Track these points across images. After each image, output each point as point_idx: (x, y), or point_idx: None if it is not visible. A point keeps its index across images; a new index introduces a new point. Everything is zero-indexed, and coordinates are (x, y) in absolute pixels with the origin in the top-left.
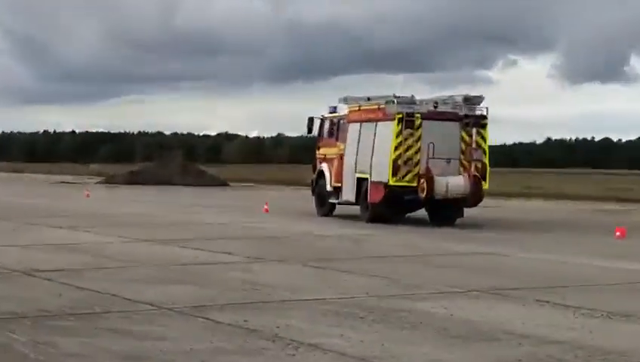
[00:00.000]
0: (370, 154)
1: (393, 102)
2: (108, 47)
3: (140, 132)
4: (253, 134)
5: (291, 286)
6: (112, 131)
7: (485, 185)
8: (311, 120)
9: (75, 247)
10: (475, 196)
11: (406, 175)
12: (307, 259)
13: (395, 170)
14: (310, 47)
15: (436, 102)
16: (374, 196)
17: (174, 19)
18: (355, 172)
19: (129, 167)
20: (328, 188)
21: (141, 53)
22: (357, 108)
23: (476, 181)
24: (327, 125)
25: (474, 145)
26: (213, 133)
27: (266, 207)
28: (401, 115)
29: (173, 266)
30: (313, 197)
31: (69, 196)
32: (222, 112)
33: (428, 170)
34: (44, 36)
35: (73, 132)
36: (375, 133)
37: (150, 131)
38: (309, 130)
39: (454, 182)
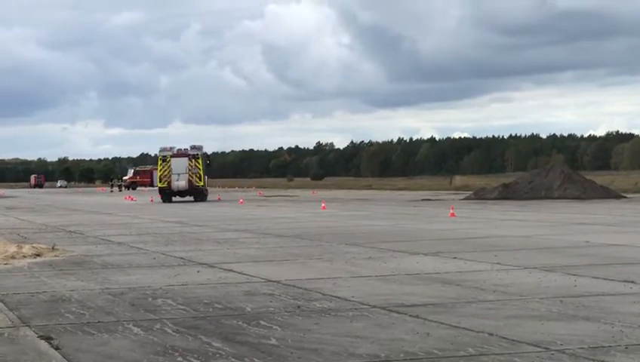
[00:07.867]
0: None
1: (162, 150)
2: (470, 35)
3: (510, 136)
4: None
5: None
6: (477, 136)
7: (200, 183)
8: (158, 158)
9: (441, 277)
10: (192, 189)
11: (164, 182)
12: None
13: (160, 180)
14: None
15: (180, 149)
16: (159, 192)
17: None
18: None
19: (499, 179)
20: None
21: (511, 41)
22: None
23: (192, 182)
24: (162, 159)
25: (194, 167)
26: (600, 134)
27: None
28: (160, 156)
29: (561, 298)
30: (159, 195)
31: (428, 216)
32: (612, 107)
33: (170, 179)
34: (395, 27)
35: (432, 139)
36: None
37: (523, 135)
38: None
39: (181, 183)
